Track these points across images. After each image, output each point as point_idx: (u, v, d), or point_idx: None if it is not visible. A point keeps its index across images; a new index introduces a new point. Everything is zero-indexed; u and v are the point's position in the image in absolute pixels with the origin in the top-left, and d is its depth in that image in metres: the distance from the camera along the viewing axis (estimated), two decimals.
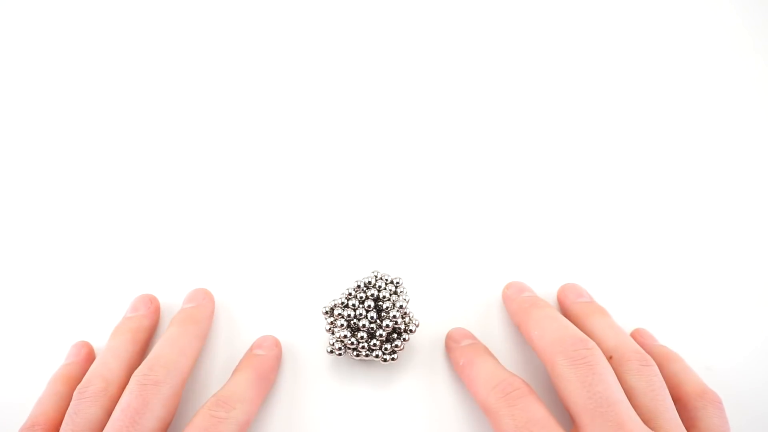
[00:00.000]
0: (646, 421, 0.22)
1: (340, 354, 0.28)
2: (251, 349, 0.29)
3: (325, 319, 0.28)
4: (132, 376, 0.25)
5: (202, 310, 0.30)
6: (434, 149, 0.37)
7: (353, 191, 0.35)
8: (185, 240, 0.33)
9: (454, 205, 0.35)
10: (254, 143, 0.37)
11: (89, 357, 0.29)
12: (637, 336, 0.30)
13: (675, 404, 0.24)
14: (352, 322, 0.27)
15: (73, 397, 0.25)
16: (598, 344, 0.25)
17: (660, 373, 0.25)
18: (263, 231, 0.34)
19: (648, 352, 0.27)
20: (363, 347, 0.27)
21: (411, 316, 0.28)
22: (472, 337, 0.29)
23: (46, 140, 0.37)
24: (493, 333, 0.30)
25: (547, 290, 0.32)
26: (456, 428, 0.28)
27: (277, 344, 0.29)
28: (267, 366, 0.28)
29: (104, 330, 0.29)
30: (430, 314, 0.30)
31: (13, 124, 0.37)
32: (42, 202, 0.35)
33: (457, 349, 0.28)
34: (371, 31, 0.41)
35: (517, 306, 0.29)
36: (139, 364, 0.26)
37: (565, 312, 0.30)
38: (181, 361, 0.26)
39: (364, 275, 0.28)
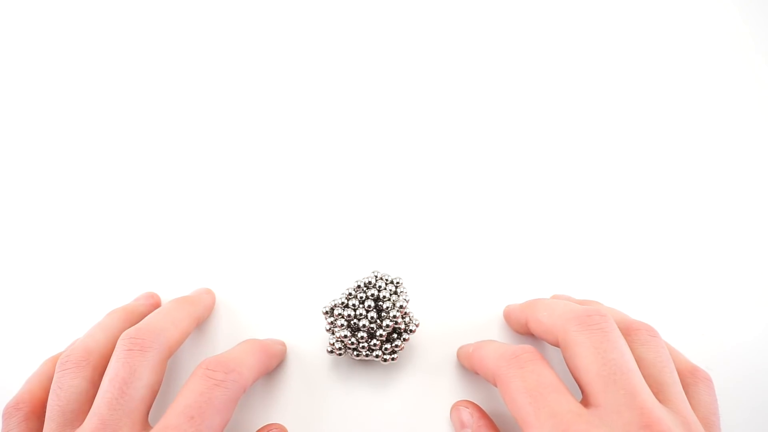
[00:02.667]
0: (654, 393, 0.22)
1: (340, 354, 0.28)
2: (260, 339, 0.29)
3: (325, 319, 0.28)
4: (118, 340, 0.24)
5: (201, 297, 0.30)
6: (434, 150, 0.37)
7: (354, 192, 0.35)
8: (187, 240, 0.33)
9: (454, 206, 0.35)
10: (255, 145, 0.37)
11: None
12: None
13: None
14: (352, 322, 0.27)
15: (56, 370, 0.24)
16: None
17: (666, 347, 0.25)
18: (264, 231, 0.34)
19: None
20: (363, 347, 0.27)
21: (411, 316, 0.28)
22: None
23: (48, 140, 0.37)
24: (494, 332, 0.30)
25: (547, 290, 0.32)
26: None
27: (283, 344, 0.29)
28: (271, 348, 0.28)
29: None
30: (430, 314, 0.30)
31: (14, 125, 0.37)
32: (44, 203, 0.35)
33: (465, 347, 0.28)
34: (372, 34, 0.41)
35: (521, 307, 0.28)
36: None
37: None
38: (171, 329, 0.25)
39: (364, 275, 0.28)
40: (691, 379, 0.24)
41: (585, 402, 0.22)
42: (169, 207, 0.34)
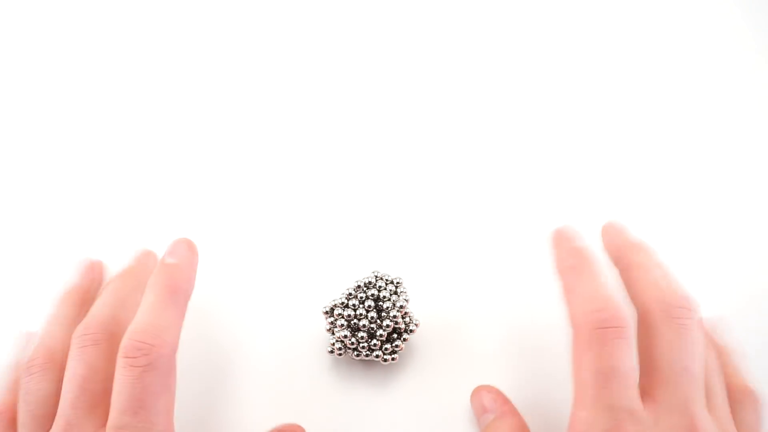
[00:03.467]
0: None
1: (340, 354, 0.28)
2: (163, 257, 0.25)
3: (326, 319, 0.28)
4: (71, 339, 0.23)
5: (142, 264, 0.28)
6: (434, 150, 0.37)
7: (353, 191, 0.35)
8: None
9: (454, 205, 0.35)
10: (255, 145, 0.37)
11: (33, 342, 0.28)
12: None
13: None
14: (352, 322, 0.27)
15: (22, 375, 0.24)
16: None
17: (715, 354, 0.24)
18: (263, 231, 0.34)
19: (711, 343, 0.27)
20: (363, 347, 0.27)
21: (411, 316, 0.28)
22: (585, 241, 0.25)
23: (45, 139, 0.37)
24: (494, 332, 0.30)
25: (547, 289, 0.32)
26: (456, 428, 0.28)
27: (189, 246, 0.26)
28: (180, 277, 0.25)
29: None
30: (430, 314, 0.30)
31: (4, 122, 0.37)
32: (42, 200, 0.35)
33: (567, 247, 0.25)
34: (371, 34, 0.41)
35: (624, 244, 0.26)
36: None
37: (613, 254, 0.27)
38: (120, 313, 0.24)
39: (364, 275, 0.28)
40: (740, 396, 0.24)
41: (643, 386, 0.22)
42: (167, 206, 0.34)
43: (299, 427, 0.27)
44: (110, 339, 0.23)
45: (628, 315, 0.22)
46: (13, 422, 0.24)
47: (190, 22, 0.41)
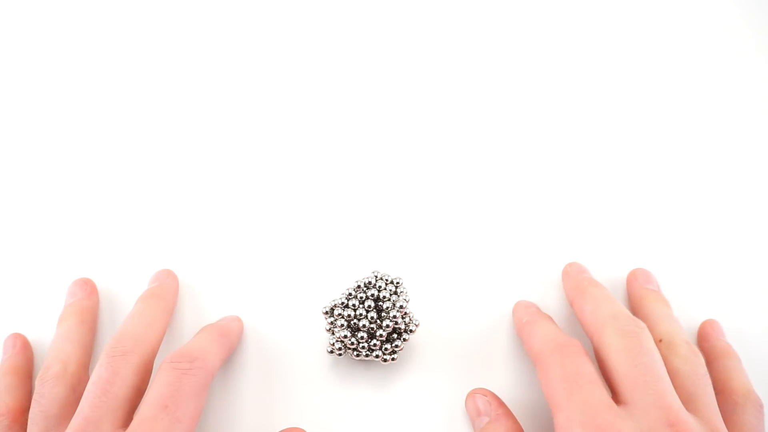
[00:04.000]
0: (684, 403, 0.23)
1: (340, 354, 0.28)
2: (222, 318, 0.30)
3: (325, 319, 0.28)
4: (102, 354, 0.25)
5: (166, 288, 0.30)
6: (434, 149, 0.37)
7: (353, 191, 0.35)
8: (186, 240, 0.33)
9: (454, 205, 0.35)
10: (254, 145, 0.37)
11: (25, 345, 0.29)
12: (708, 326, 0.30)
13: (717, 397, 0.24)
14: (352, 322, 0.27)
15: (36, 385, 0.25)
16: (652, 328, 0.26)
17: (705, 366, 0.25)
18: (263, 232, 0.34)
19: (710, 345, 0.28)
20: (363, 347, 0.27)
21: (411, 316, 0.28)
22: (538, 308, 0.30)
23: (42, 138, 0.37)
24: (494, 332, 0.30)
25: (548, 289, 0.32)
26: (456, 428, 0.28)
27: (239, 319, 0.30)
28: (230, 329, 0.28)
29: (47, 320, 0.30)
30: (430, 314, 0.30)
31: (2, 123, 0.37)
32: (40, 200, 0.35)
33: (523, 310, 0.29)
34: (371, 33, 0.41)
35: (575, 283, 0.29)
36: (92, 344, 0.26)
37: (630, 294, 0.31)
38: (148, 332, 0.26)
39: (364, 275, 0.28)
40: (741, 399, 0.25)
41: (615, 401, 0.23)
42: (166, 207, 0.34)
43: (301, 430, 0.27)
44: (138, 353, 0.25)
45: (580, 344, 0.24)
46: (18, 422, 0.26)
47: (190, 23, 0.41)
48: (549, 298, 0.31)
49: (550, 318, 0.28)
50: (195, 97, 0.38)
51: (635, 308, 0.30)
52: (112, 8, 0.42)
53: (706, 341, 0.29)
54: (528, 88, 0.39)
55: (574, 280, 0.30)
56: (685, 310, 0.31)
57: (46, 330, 0.30)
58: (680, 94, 0.39)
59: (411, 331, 0.28)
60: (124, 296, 0.31)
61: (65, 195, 0.35)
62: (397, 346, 0.28)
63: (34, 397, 0.25)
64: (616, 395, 0.23)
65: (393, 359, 0.28)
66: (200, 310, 0.31)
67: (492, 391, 0.28)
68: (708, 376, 0.25)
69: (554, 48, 0.40)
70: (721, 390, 0.26)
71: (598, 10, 0.42)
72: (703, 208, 0.35)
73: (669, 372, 0.23)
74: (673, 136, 0.37)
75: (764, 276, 0.33)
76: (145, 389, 0.25)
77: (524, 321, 0.28)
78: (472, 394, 0.28)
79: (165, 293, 0.29)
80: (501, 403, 0.27)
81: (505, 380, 0.29)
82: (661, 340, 0.26)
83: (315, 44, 0.40)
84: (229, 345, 0.28)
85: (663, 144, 0.37)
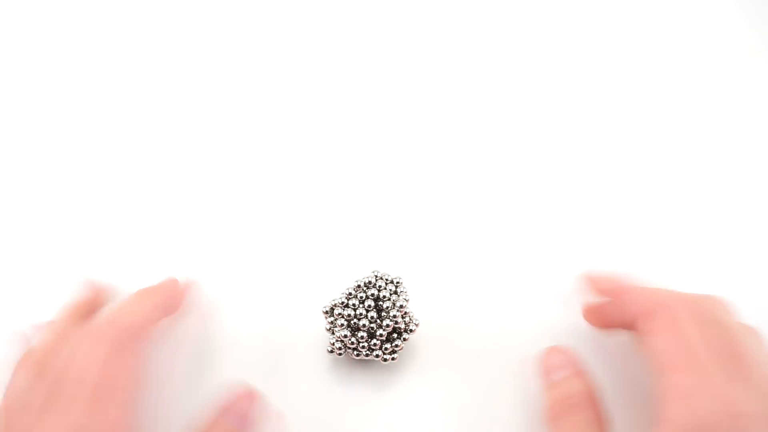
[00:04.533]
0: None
1: (340, 354, 0.28)
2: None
3: (325, 318, 0.28)
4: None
5: (163, 286, 0.28)
6: (434, 149, 0.37)
7: (353, 191, 0.35)
8: (185, 240, 0.33)
9: (453, 205, 0.35)
10: (255, 145, 0.37)
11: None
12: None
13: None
14: (352, 322, 0.27)
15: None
16: None
17: None
18: (263, 231, 0.34)
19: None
20: (363, 347, 0.27)
21: (411, 316, 0.28)
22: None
23: (40, 139, 0.37)
24: (494, 332, 0.30)
25: (547, 289, 0.32)
26: (455, 428, 0.28)
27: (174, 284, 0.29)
28: (158, 288, 0.27)
29: None
30: (430, 314, 0.30)
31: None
32: (37, 201, 0.35)
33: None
34: (371, 34, 0.41)
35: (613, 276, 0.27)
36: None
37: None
38: (125, 309, 0.25)
39: (364, 275, 0.28)
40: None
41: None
42: (167, 207, 0.34)
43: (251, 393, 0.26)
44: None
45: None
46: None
47: (191, 21, 0.41)
48: (549, 297, 0.31)
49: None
50: (196, 99, 0.38)
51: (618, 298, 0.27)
52: (114, 11, 0.42)
53: None
54: (526, 91, 0.39)
55: (606, 275, 0.28)
56: None
57: None
58: (679, 95, 0.39)
59: (411, 330, 0.28)
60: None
61: (74, 194, 0.35)
62: (397, 345, 0.28)
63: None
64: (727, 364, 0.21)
65: (393, 359, 0.28)
66: (199, 309, 0.31)
67: (480, 403, 0.27)
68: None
69: (554, 51, 0.40)
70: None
71: (596, 10, 0.42)
72: (700, 209, 0.35)
73: None
74: (671, 136, 0.37)
75: (753, 274, 0.33)
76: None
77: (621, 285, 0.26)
78: (551, 351, 0.26)
79: (159, 289, 0.28)
80: (579, 361, 0.25)
81: (505, 380, 0.29)
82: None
83: (316, 47, 0.40)
84: (154, 301, 0.26)
85: (657, 144, 0.37)
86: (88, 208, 0.34)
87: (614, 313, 0.26)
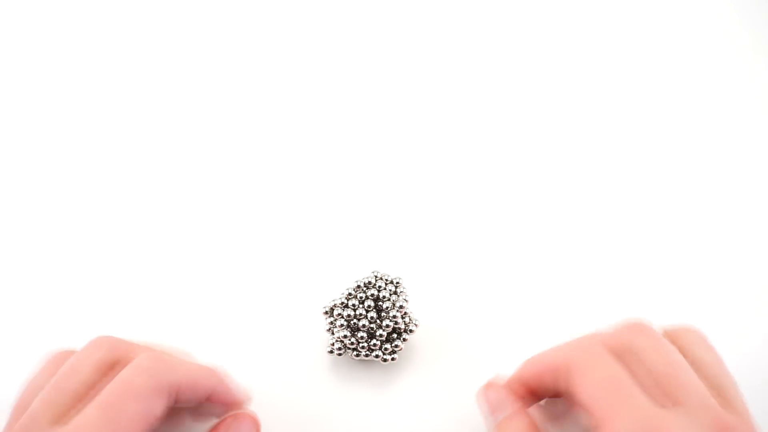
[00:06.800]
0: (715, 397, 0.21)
1: (340, 354, 0.28)
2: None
3: (325, 319, 0.28)
4: None
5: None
6: (434, 150, 0.37)
7: (353, 192, 0.35)
8: (185, 240, 0.33)
9: (453, 206, 0.35)
10: (256, 145, 0.37)
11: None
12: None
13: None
14: (352, 322, 0.27)
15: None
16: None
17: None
18: (264, 231, 0.34)
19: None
20: (363, 347, 0.27)
21: (411, 316, 0.28)
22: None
23: (40, 144, 0.37)
24: (493, 332, 0.30)
25: (547, 289, 0.32)
26: (455, 428, 0.28)
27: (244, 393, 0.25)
28: (228, 379, 0.24)
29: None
30: (430, 314, 0.30)
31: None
32: (34, 211, 0.35)
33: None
34: (371, 35, 0.41)
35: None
36: None
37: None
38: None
39: (364, 275, 0.28)
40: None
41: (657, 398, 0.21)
42: (167, 206, 0.34)
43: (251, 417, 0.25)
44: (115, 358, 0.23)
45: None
46: None
47: (191, 23, 0.41)
48: (549, 297, 0.31)
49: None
50: (196, 99, 0.38)
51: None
52: (118, 12, 0.42)
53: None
54: (525, 91, 0.39)
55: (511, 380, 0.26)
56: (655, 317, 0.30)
57: None
58: (679, 96, 0.39)
59: (411, 331, 0.28)
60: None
61: (104, 205, 0.35)
62: (396, 345, 0.28)
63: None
64: (657, 393, 0.21)
65: (393, 359, 0.28)
66: (200, 309, 0.31)
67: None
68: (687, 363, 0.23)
69: (554, 52, 0.40)
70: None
71: (596, 12, 0.42)
72: (700, 210, 0.35)
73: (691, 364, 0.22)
74: (670, 136, 0.37)
75: (734, 280, 0.32)
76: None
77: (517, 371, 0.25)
78: (486, 389, 0.25)
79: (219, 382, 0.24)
80: (516, 398, 0.25)
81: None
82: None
83: (316, 48, 0.40)
84: (214, 384, 0.24)
85: (657, 145, 0.37)
86: (88, 207, 0.34)
87: (535, 386, 0.25)
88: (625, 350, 0.22)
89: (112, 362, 0.23)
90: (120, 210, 0.34)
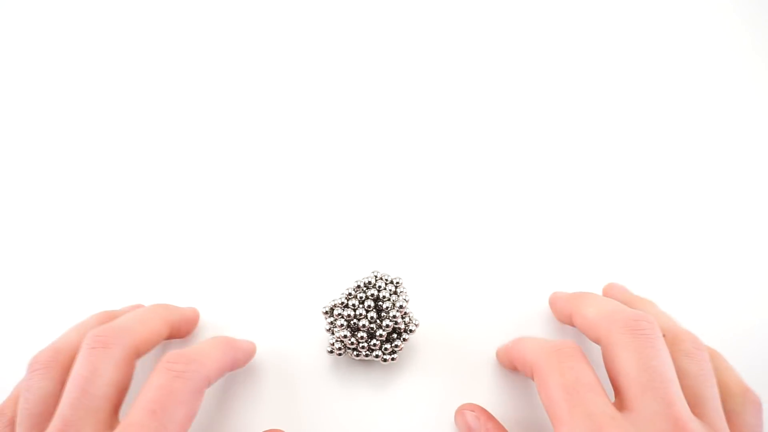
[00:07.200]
0: (691, 406, 0.22)
1: (340, 354, 0.28)
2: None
3: (325, 319, 0.28)
4: (83, 340, 0.24)
5: (178, 308, 0.29)
6: (434, 150, 0.37)
7: (353, 192, 0.35)
8: (186, 240, 0.33)
9: (453, 206, 0.35)
10: (255, 145, 0.37)
11: None
12: None
13: None
14: (352, 322, 0.27)
15: (26, 372, 0.24)
16: None
17: (710, 360, 0.24)
18: (264, 231, 0.34)
19: None
20: (363, 347, 0.27)
21: (411, 316, 0.28)
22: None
23: (41, 143, 0.37)
24: (493, 332, 0.30)
25: (547, 289, 0.32)
26: (455, 428, 0.28)
27: (253, 344, 0.29)
28: (238, 344, 0.27)
29: None
30: (430, 314, 0.30)
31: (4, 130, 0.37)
32: (35, 208, 0.35)
33: (504, 346, 0.28)
34: (371, 35, 0.41)
35: (567, 297, 0.28)
36: None
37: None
38: (137, 327, 0.25)
39: (364, 275, 0.28)
40: (739, 399, 0.24)
41: (619, 404, 0.22)
42: (168, 206, 0.34)
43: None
44: (121, 346, 0.24)
45: (576, 344, 0.23)
46: (13, 422, 0.24)
47: (191, 24, 0.41)
48: (548, 296, 0.31)
49: (534, 336, 0.27)
50: (196, 99, 0.38)
51: (578, 317, 0.28)
52: (118, 13, 0.42)
53: None
54: (525, 91, 0.39)
55: (564, 296, 0.29)
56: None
57: None
58: (678, 97, 0.39)
59: (411, 331, 0.28)
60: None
61: (102, 206, 0.35)
62: (396, 346, 0.28)
63: (22, 389, 0.24)
64: (621, 399, 0.22)
65: (393, 359, 0.28)
66: (200, 309, 0.31)
67: (480, 405, 0.27)
68: (713, 374, 0.24)
69: (554, 53, 0.40)
70: (719, 391, 0.25)
71: (596, 11, 0.42)
72: (699, 210, 0.35)
73: (677, 372, 0.23)
74: (670, 137, 0.37)
75: (735, 280, 0.32)
76: (128, 385, 0.24)
77: (509, 345, 0.27)
78: (461, 411, 0.27)
79: (173, 308, 0.28)
80: (490, 417, 0.26)
81: (504, 380, 0.29)
82: (664, 335, 0.25)
83: (316, 49, 0.40)
84: (233, 357, 0.26)
85: (657, 146, 0.37)
86: (88, 207, 0.34)
87: (515, 368, 0.27)
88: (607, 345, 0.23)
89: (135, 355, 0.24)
90: (118, 217, 0.34)
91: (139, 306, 0.30)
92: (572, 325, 0.28)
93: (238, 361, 0.27)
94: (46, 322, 0.31)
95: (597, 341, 0.25)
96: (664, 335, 0.25)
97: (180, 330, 0.29)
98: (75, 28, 0.41)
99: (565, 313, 0.28)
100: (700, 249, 0.33)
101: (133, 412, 0.22)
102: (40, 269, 0.33)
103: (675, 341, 0.25)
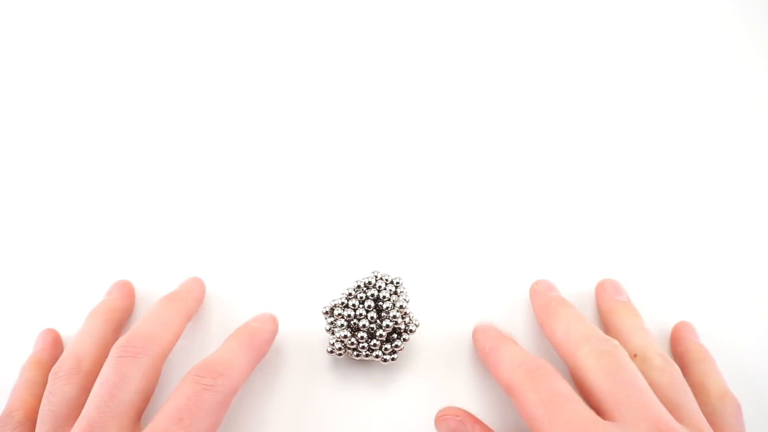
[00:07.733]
0: (669, 413, 0.22)
1: (340, 354, 0.28)
2: (246, 322, 0.28)
3: (325, 319, 0.28)
4: (111, 349, 0.25)
5: (188, 291, 0.30)
6: (434, 149, 0.37)
7: (353, 191, 0.35)
8: (186, 240, 0.33)
9: (453, 205, 0.35)
10: (255, 144, 0.37)
11: (56, 342, 0.29)
12: (680, 328, 0.30)
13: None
14: (352, 322, 0.27)
15: (48, 379, 0.25)
16: (625, 343, 0.26)
17: (682, 375, 0.25)
18: (263, 231, 0.34)
19: (683, 348, 0.28)
20: (363, 347, 0.27)
21: (411, 316, 0.28)
22: (498, 330, 0.29)
23: (42, 138, 0.37)
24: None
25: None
26: None
27: (273, 320, 0.29)
28: (260, 337, 0.27)
29: (81, 319, 0.29)
30: (430, 314, 0.30)
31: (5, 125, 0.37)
32: (38, 200, 0.35)
33: (484, 337, 0.28)
34: (372, 33, 0.41)
35: (544, 302, 0.29)
36: (113, 343, 0.25)
37: (600, 305, 0.30)
38: (161, 333, 0.26)
39: (364, 275, 0.28)
40: (719, 402, 0.25)
41: (601, 416, 0.22)
42: (167, 206, 0.34)
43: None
44: (149, 355, 0.24)
45: (547, 362, 0.24)
46: (30, 419, 0.25)
47: (191, 22, 0.41)
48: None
49: (512, 340, 0.27)
50: (196, 99, 0.38)
51: (605, 321, 0.29)
52: (117, 11, 0.42)
53: (679, 344, 0.29)
54: (525, 91, 0.39)
55: (543, 298, 0.29)
56: (656, 313, 0.31)
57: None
58: (678, 98, 0.39)
59: (411, 331, 0.28)
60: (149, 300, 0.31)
61: (102, 198, 0.35)
62: (397, 346, 0.28)
63: (45, 393, 0.24)
64: (601, 414, 0.22)
65: (393, 359, 0.28)
66: (202, 310, 0.31)
67: (463, 408, 0.27)
68: (686, 383, 0.24)
69: (553, 54, 0.40)
70: (698, 394, 0.25)
71: (596, 11, 0.42)
72: (698, 211, 0.35)
73: (650, 386, 0.23)
74: (670, 138, 0.37)
75: (733, 277, 0.32)
76: (152, 392, 0.25)
77: (487, 349, 0.27)
78: (443, 417, 0.27)
79: (185, 296, 0.29)
80: (476, 420, 0.26)
81: None
82: (635, 355, 0.25)
83: (316, 48, 0.40)
84: (257, 357, 0.27)
85: (657, 147, 0.37)
86: (88, 207, 0.34)
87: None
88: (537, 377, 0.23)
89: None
90: (117, 216, 0.34)
91: (124, 285, 0.30)
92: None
93: (262, 356, 0.27)
94: (46, 296, 0.31)
95: (564, 361, 0.25)
96: (634, 355, 0.26)
97: (192, 314, 0.29)
98: (75, 28, 0.41)
99: (538, 317, 0.29)
100: (698, 246, 0.33)
101: (158, 418, 0.22)
102: (41, 247, 0.33)
103: (645, 360, 0.25)
